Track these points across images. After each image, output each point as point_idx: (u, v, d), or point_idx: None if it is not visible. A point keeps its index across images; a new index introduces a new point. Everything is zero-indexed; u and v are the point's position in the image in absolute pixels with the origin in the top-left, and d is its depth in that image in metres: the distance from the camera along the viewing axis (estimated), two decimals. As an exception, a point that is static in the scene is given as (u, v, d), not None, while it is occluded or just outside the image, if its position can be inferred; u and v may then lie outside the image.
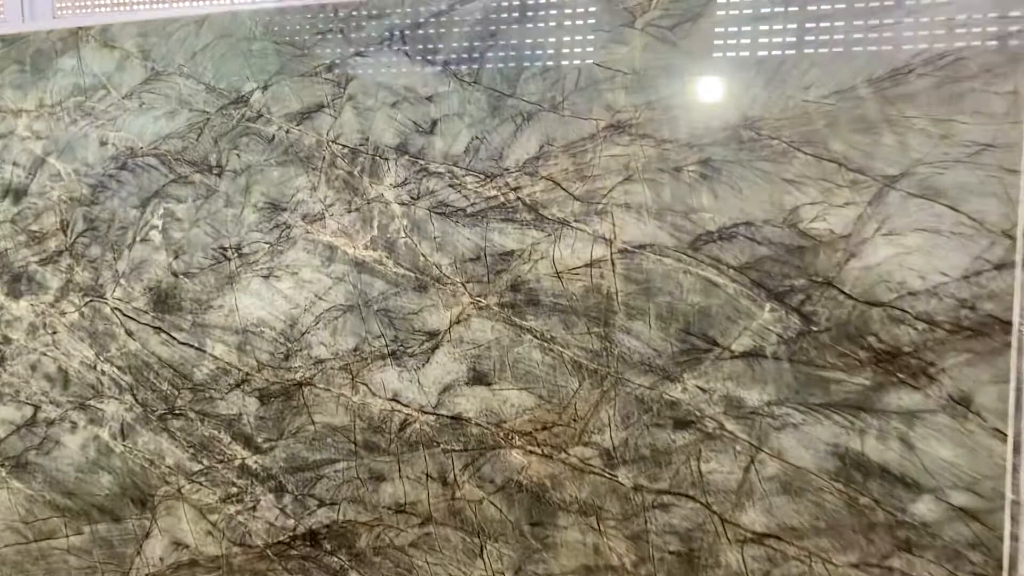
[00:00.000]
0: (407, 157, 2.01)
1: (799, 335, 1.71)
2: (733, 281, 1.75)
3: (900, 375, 1.65)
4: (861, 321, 1.67)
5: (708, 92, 1.77)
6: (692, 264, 1.78)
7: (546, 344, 1.88)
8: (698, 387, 1.79)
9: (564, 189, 1.89)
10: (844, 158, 1.68)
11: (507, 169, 1.94)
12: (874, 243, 1.66)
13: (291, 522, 2.15)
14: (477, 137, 1.96)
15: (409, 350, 2.01)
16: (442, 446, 1.98)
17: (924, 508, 1.64)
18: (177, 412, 2.22)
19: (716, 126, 1.78)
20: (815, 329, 1.70)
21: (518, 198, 1.93)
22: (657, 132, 1.83)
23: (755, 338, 1.74)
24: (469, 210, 1.97)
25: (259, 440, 2.13)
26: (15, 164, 2.36)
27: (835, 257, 1.68)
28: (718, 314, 1.76)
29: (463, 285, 1.97)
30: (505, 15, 1.93)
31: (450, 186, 1.99)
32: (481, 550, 1.98)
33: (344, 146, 2.07)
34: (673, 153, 1.81)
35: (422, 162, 2.01)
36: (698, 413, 1.79)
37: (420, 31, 2.00)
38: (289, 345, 2.09)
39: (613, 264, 1.85)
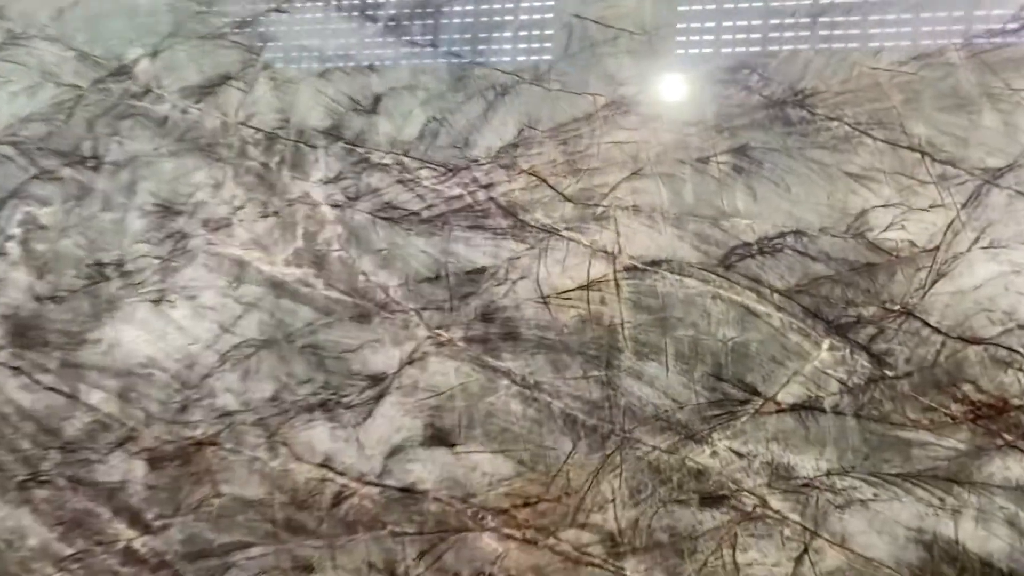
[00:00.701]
0: (341, 144, 1.56)
1: (869, 382, 1.31)
2: (779, 310, 1.34)
3: (1007, 436, 1.25)
4: (954, 364, 1.27)
5: (742, 57, 1.35)
6: (723, 286, 1.36)
7: (529, 392, 1.45)
8: (732, 450, 1.37)
9: (551, 187, 1.46)
10: (929, 145, 1.28)
11: (475, 160, 1.50)
12: (970, 259, 1.26)
13: (188, 631, 1.69)
14: (435, 118, 1.52)
15: (346, 400, 1.56)
16: (390, 527, 1.53)
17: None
18: (42, 478, 1.73)
19: (755, 103, 1.36)
20: (891, 375, 1.30)
21: (490, 198, 1.49)
22: (674, 111, 1.41)
23: (809, 386, 1.33)
24: (425, 214, 1.53)
25: (149, 516, 1.66)
26: None
27: (917, 278, 1.28)
28: (759, 353, 1.35)
29: (417, 314, 1.52)
30: (471, -46, 1.50)
31: (399, 182, 1.54)
32: (443, 672, 1.54)
33: (258, 130, 1.61)
34: (697, 139, 1.39)
35: (361, 150, 1.56)
36: (733, 485, 1.37)
37: (357, -25, 1.56)
38: (186, 392, 1.62)
39: (617, 286, 1.42)
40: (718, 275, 1.41)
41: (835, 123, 1.36)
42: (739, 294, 1.40)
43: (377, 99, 1.59)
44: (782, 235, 1.38)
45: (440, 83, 1.55)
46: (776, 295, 1.38)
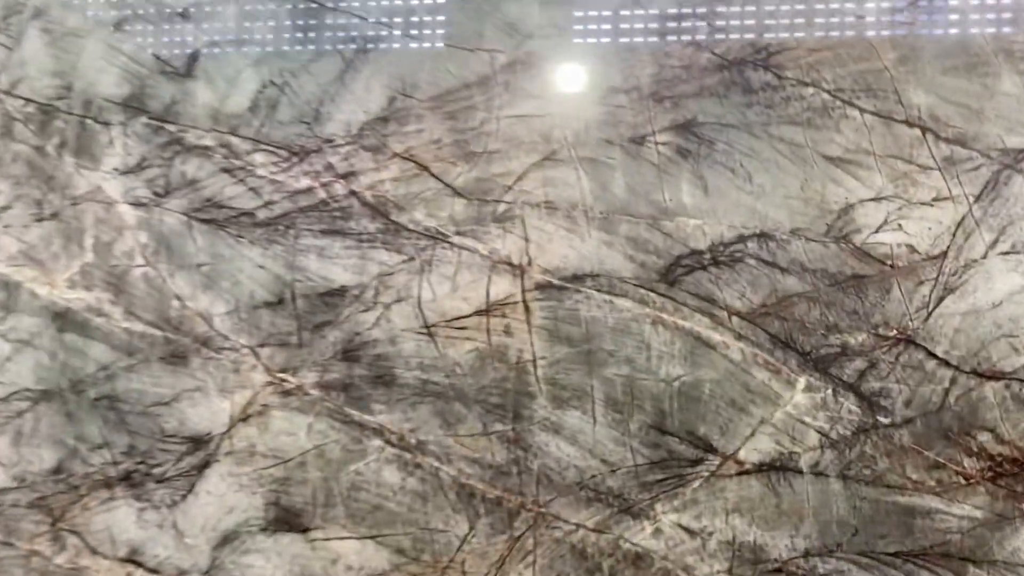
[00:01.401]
0: (145, 120, 1.15)
1: (858, 433, 1.00)
2: (740, 338, 1.02)
3: (1036, 501, 0.97)
4: (967, 406, 0.98)
5: (688, 1, 1.03)
6: (667, 309, 1.03)
7: (409, 455, 1.08)
8: (681, 527, 1.04)
9: (436, 176, 1.10)
10: (931, 119, 0.99)
11: (330, 140, 1.12)
12: (987, 268, 0.98)
13: None
14: (273, 82, 1.13)
15: (157, 471, 1.15)
16: (222, 648, 1.13)
17: None
18: None
19: (704, 63, 1.03)
20: (886, 422, 1.00)
21: (352, 192, 1.11)
22: (599, 75, 1.07)
23: (780, 439, 1.02)
24: (262, 215, 1.13)
25: None
26: None
27: (919, 294, 0.99)
28: (715, 397, 1.02)
29: (253, 352, 1.13)
30: None
31: (225, 171, 1.14)
32: None
33: (28, 101, 1.17)
34: (629, 112, 1.05)
35: (173, 128, 1.15)
36: (683, 574, 1.04)
37: None
38: (-72, 468, 1.18)
39: (527, 309, 1.07)
40: (660, 294, 1.07)
41: (810, 90, 1.05)
42: (687, 318, 1.06)
43: (193, 57, 1.17)
44: (742, 239, 1.06)
45: (279, 34, 1.15)
46: (736, 319, 1.05)
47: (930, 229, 1.04)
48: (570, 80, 1.10)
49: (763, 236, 1.07)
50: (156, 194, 1.19)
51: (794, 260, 1.06)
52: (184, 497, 1.20)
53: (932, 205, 1.04)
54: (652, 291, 1.09)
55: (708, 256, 1.08)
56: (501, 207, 1.12)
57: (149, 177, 1.19)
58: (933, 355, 1.04)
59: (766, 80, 1.07)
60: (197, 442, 1.20)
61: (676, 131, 1.09)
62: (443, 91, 1.14)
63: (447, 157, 1.13)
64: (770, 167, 1.07)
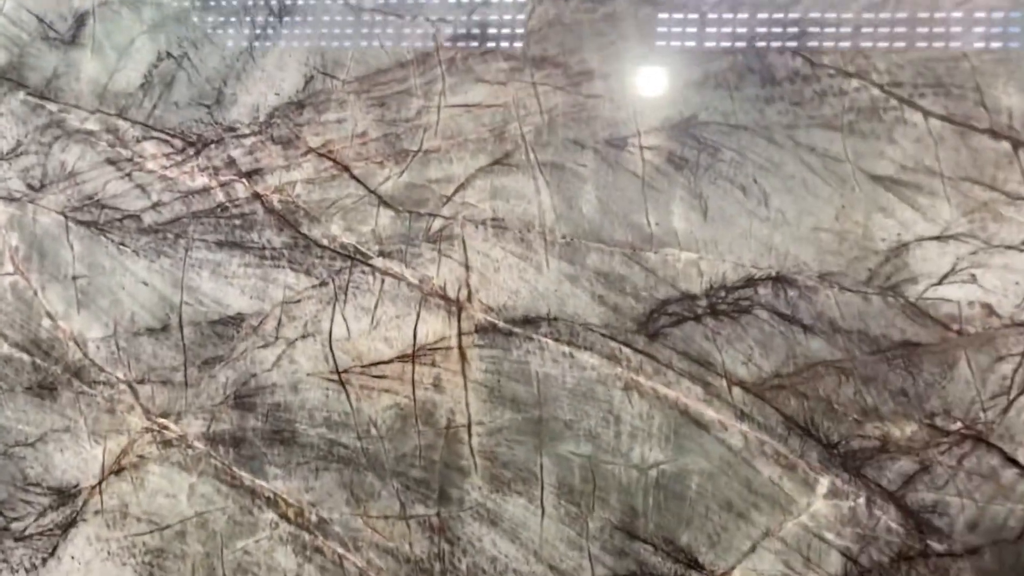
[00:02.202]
0: (23, 97, 0.95)
1: (900, 560, 0.73)
2: (743, 417, 0.76)
3: None
4: (1060, 539, 0.70)
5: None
6: (645, 370, 0.78)
7: (308, 535, 0.85)
8: (651, 664, 0.79)
9: (358, 180, 0.87)
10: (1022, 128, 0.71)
11: (233, 129, 0.90)
12: (1100, 345, 0.69)
13: None
14: (170, 54, 0.92)
15: (16, 525, 0.96)
16: None
17: None
18: None
19: (710, 43, 0.77)
20: (941, 548, 0.72)
21: (256, 196, 0.90)
22: (570, 55, 0.82)
23: (791, 559, 0.75)
24: (150, 219, 0.93)
25: None
26: None
27: (996, 374, 0.70)
28: (705, 495, 0.76)
29: (131, 388, 0.92)
30: None
31: (111, 163, 0.94)
32: None
33: None
34: (608, 105, 0.80)
35: (53, 108, 0.96)
36: None
37: None
38: None
39: (463, 357, 0.84)
40: (636, 349, 0.81)
41: (854, 82, 0.77)
42: (672, 385, 0.80)
43: (80, 20, 0.97)
44: (752, 283, 0.79)
45: None
46: (738, 391, 0.79)
47: (1017, 284, 0.76)
48: (532, 61, 0.86)
49: (780, 280, 0.80)
50: (31, 187, 1.00)
51: (821, 315, 0.80)
52: (45, 561, 1.00)
53: (1021, 250, 0.75)
54: (627, 345, 0.84)
55: (704, 303, 0.82)
56: (437, 223, 0.88)
57: (24, 166, 1.00)
58: (1013, 461, 0.76)
59: (794, 67, 0.80)
60: (63, 495, 1.00)
61: (669, 132, 0.83)
62: (372, 70, 0.90)
63: (373, 156, 0.90)
64: (794, 186, 0.80)
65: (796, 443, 0.81)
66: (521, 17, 0.88)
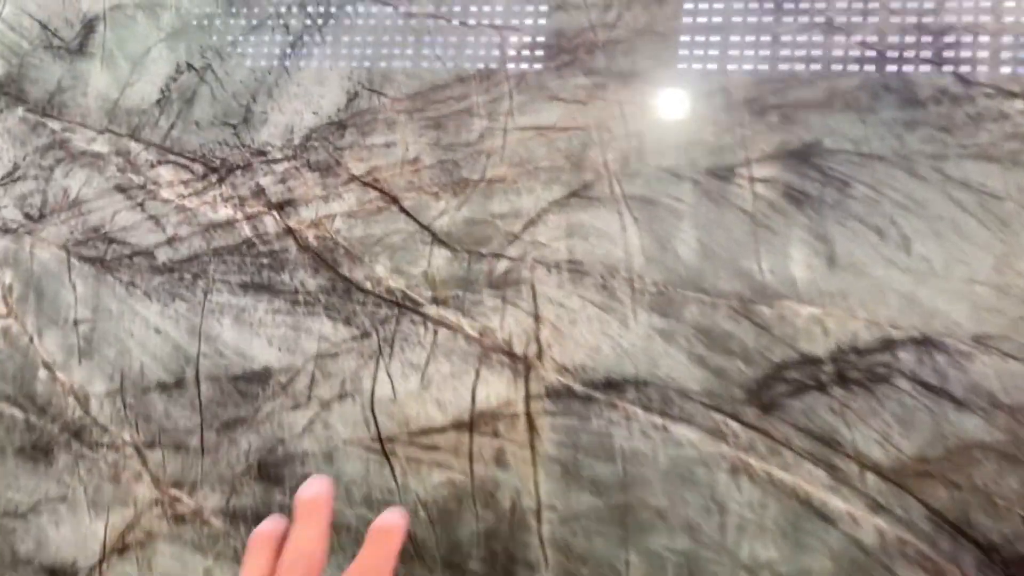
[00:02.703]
0: (21, 113, 0.84)
1: None
2: (878, 509, 0.61)
3: None
4: None
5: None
6: (757, 449, 0.64)
7: None
8: None
9: (408, 214, 0.75)
10: None
11: (263, 152, 0.79)
12: None
13: None
14: (191, 64, 0.80)
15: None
16: None
17: None
18: None
19: (836, 49, 0.64)
20: None
21: (289, 231, 0.77)
22: (663, 67, 0.69)
23: None
24: (165, 256, 0.82)
25: None
26: None
27: None
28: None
29: (139, 452, 0.80)
30: None
31: (120, 190, 0.83)
32: None
33: None
34: (711, 127, 0.67)
35: (56, 126, 0.86)
36: None
37: None
38: None
39: (532, 428, 0.71)
40: (746, 423, 0.68)
41: (1018, 103, 0.64)
42: (790, 469, 0.67)
43: (90, 26, 0.86)
44: (890, 346, 0.66)
45: None
46: (872, 478, 0.65)
47: None
48: (618, 76, 0.73)
49: (926, 343, 0.67)
50: (28, 217, 0.88)
51: (977, 387, 0.66)
52: (35, 652, 0.88)
53: None
54: (734, 418, 0.70)
55: (830, 369, 0.69)
56: (501, 265, 0.75)
57: (21, 193, 0.88)
58: None
59: (942, 85, 0.67)
60: (58, 575, 0.87)
61: (785, 161, 0.70)
62: (427, 86, 0.78)
63: (426, 185, 0.77)
64: (942, 229, 0.66)
65: (945, 544, 0.67)
66: (605, 24, 0.75)
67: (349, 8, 0.82)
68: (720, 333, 0.72)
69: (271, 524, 0.49)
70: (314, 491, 0.48)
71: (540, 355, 0.76)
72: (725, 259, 0.72)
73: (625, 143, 0.74)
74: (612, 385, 0.75)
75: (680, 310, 0.73)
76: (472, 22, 0.78)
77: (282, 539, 0.48)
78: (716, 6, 0.72)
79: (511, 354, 0.76)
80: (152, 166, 0.86)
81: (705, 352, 0.73)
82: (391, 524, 0.47)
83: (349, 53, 0.80)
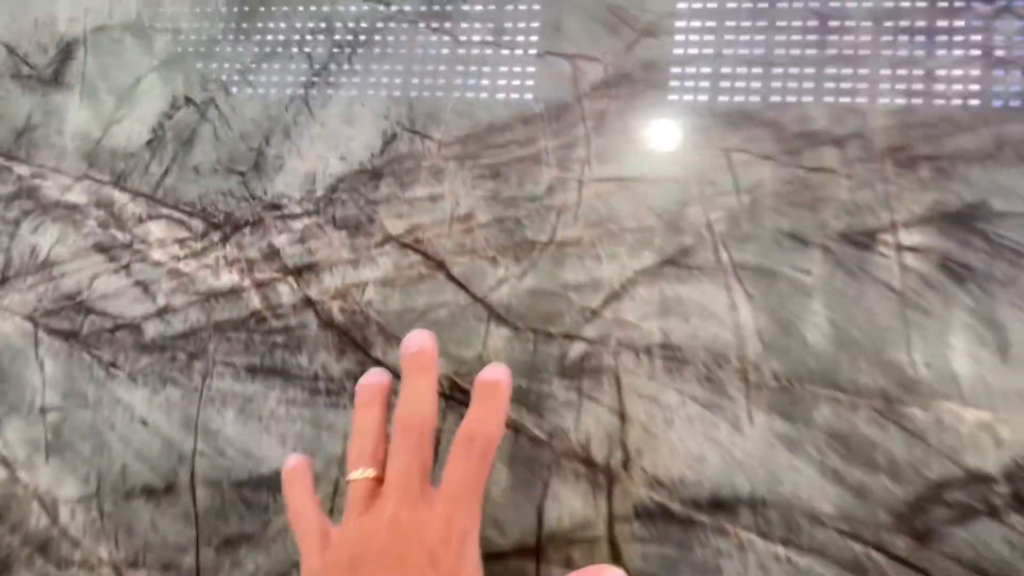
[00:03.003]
0: None
1: None
2: None
3: None
4: None
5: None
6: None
7: None
8: None
9: (459, 282, 0.60)
10: None
11: (278, 205, 0.66)
12: None
13: None
14: (190, 98, 0.66)
15: None
16: None
17: None
18: None
19: (1007, 89, 0.49)
20: None
21: (309, 302, 0.62)
22: (784, 104, 0.54)
23: None
24: (154, 330, 0.67)
25: None
26: None
27: None
28: None
29: (118, 572, 0.64)
30: None
31: (100, 249, 0.66)
32: None
33: None
34: (845, 183, 0.53)
35: (24, 170, 0.70)
36: None
37: None
38: None
39: (616, 553, 0.53)
40: (895, 556, 0.53)
41: None
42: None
43: (66, 53, 0.71)
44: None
45: (212, 19, 0.68)
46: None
47: None
48: (725, 117, 0.59)
49: None
50: (-13, 281, 0.73)
51: None
52: None
53: None
54: (879, 549, 0.55)
55: (1005, 490, 0.54)
56: (576, 349, 0.60)
57: (-20, 252, 0.73)
58: None
59: None
60: None
61: (941, 226, 0.56)
62: (482, 127, 0.64)
63: (481, 248, 0.63)
64: None
65: None
66: (707, 54, 0.61)
67: (387, 32, 0.67)
68: (860, 441, 0.57)
69: (378, 376, 0.50)
70: (419, 344, 0.49)
71: (627, 464, 0.61)
72: (866, 348, 0.58)
73: (734, 199, 0.60)
74: (720, 505, 0.60)
75: (808, 411, 0.59)
76: (538, 50, 0.63)
77: (389, 391, 0.50)
78: (860, 37, 0.58)
79: (589, 462, 0.61)
80: (140, 221, 0.71)
81: (841, 465, 0.58)
82: (497, 377, 0.49)
83: (386, 86, 0.66)
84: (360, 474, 0.47)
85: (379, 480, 0.47)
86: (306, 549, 0.47)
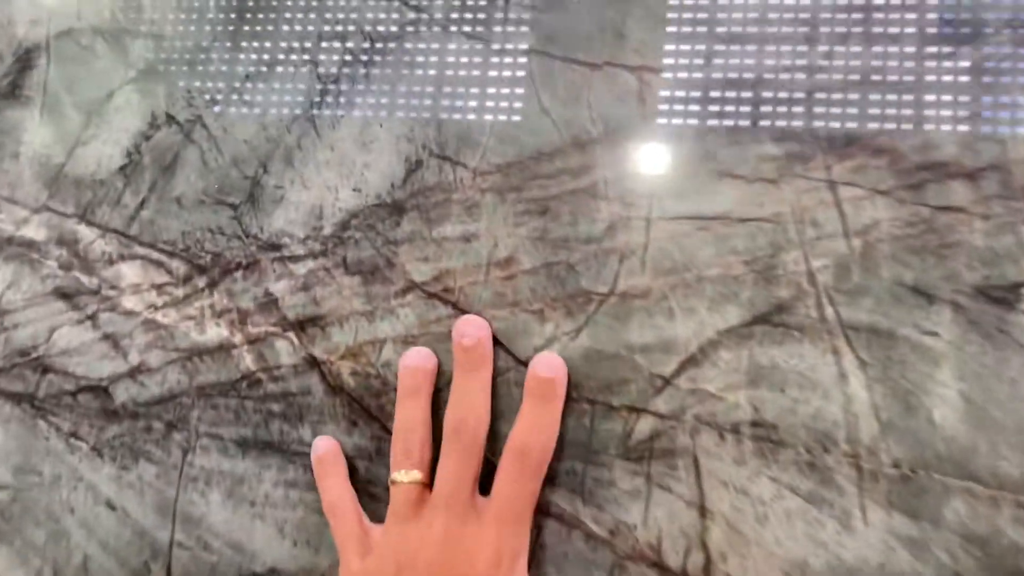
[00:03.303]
0: None
1: None
2: None
3: None
4: None
5: None
6: None
7: None
8: None
9: (497, 340, 0.46)
10: None
11: (277, 245, 0.53)
12: None
13: None
14: (172, 116, 0.54)
15: None
16: None
17: None
18: None
19: None
20: None
21: (313, 362, 0.50)
22: (902, 131, 0.42)
23: None
24: (125, 395, 0.57)
25: None
26: None
27: None
28: None
29: None
30: None
31: (63, 296, 0.55)
32: None
33: None
34: (982, 227, 0.42)
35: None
36: None
37: None
38: None
39: None
40: None
41: None
42: None
43: (24, 61, 0.60)
44: None
45: (189, 16, 0.56)
46: None
47: None
48: (830, 143, 0.48)
49: None
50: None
51: None
52: None
53: None
54: None
55: None
56: (644, 425, 0.49)
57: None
58: None
59: None
60: None
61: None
62: (527, 152, 0.53)
63: (526, 300, 0.51)
64: None
65: None
66: (807, 64, 0.50)
67: (411, 39, 0.56)
68: (1003, 546, 0.46)
69: (423, 358, 0.48)
70: (474, 335, 0.46)
71: (708, 570, 0.49)
72: (1008, 428, 0.47)
73: (842, 244, 0.49)
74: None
75: (938, 507, 0.47)
76: (596, 60, 0.52)
77: (434, 376, 0.48)
78: (978, 47, 0.47)
79: (661, 566, 0.50)
80: (111, 262, 0.60)
81: (979, 573, 0.46)
82: (552, 372, 0.46)
83: (409, 103, 0.55)
84: (404, 476, 0.45)
85: (424, 484, 0.46)
86: (346, 552, 0.46)
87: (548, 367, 0.48)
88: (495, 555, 0.42)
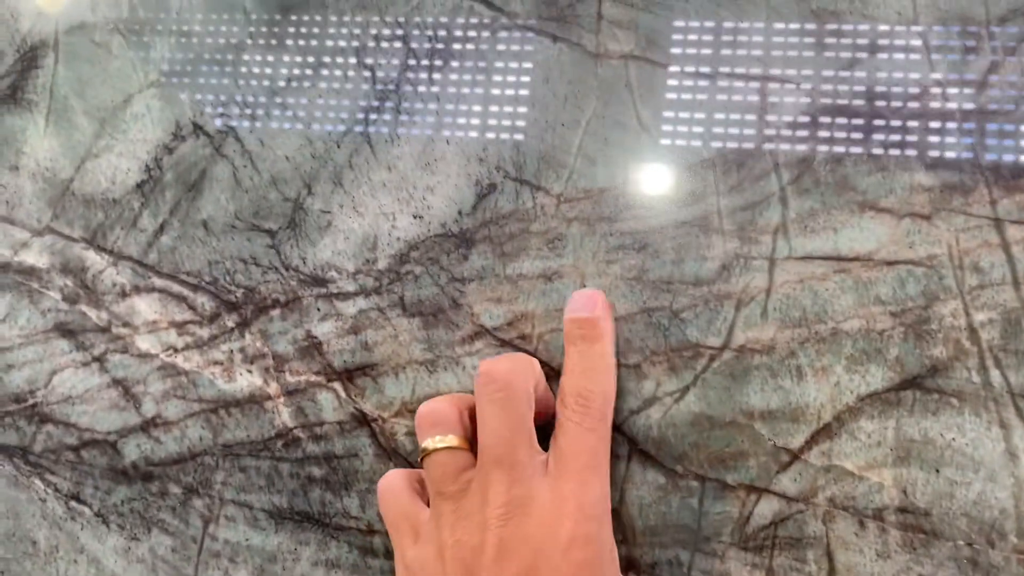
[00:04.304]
0: None
1: None
2: None
3: None
4: None
5: None
6: None
7: None
8: None
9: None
10: None
11: (322, 280, 0.46)
12: None
13: None
14: (199, 125, 0.47)
15: None
16: None
17: None
18: None
19: None
20: None
21: (363, 418, 0.42)
22: None
23: None
24: (136, 453, 0.50)
25: None
26: None
27: None
28: None
29: None
30: None
31: (65, 332, 0.47)
32: None
33: None
34: None
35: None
36: None
37: None
38: None
39: None
40: None
41: None
42: None
43: (29, 61, 0.53)
44: None
45: (222, 11, 0.49)
46: None
47: None
48: (994, 172, 0.41)
49: None
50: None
51: None
52: None
53: None
54: None
55: None
56: (767, 507, 0.41)
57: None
58: None
59: None
60: None
61: None
62: (622, 175, 0.45)
63: (624, 352, 0.44)
64: None
65: None
66: (970, 78, 0.43)
67: (486, 42, 0.49)
68: None
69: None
70: (588, 309, 0.41)
71: None
72: None
73: (1010, 294, 0.42)
74: None
75: None
76: (710, 68, 0.45)
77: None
78: None
79: None
80: (124, 295, 0.52)
81: None
82: (591, 312, 0.41)
83: (482, 117, 0.47)
84: (438, 442, 0.39)
85: (465, 451, 0.40)
86: (396, 540, 0.41)
87: (584, 305, 0.41)
88: (578, 510, 0.36)
